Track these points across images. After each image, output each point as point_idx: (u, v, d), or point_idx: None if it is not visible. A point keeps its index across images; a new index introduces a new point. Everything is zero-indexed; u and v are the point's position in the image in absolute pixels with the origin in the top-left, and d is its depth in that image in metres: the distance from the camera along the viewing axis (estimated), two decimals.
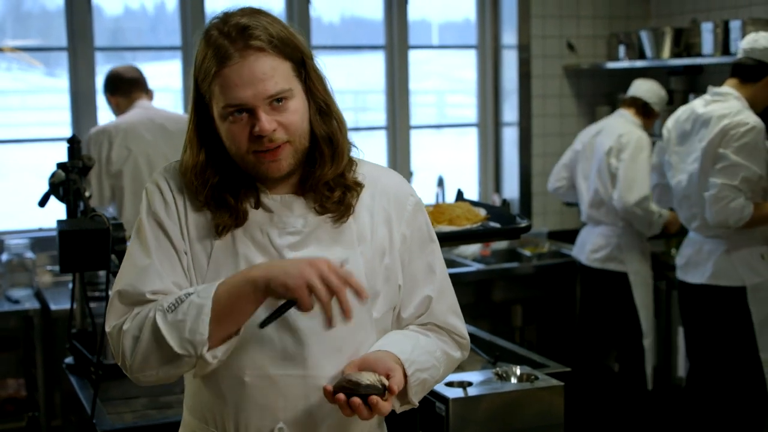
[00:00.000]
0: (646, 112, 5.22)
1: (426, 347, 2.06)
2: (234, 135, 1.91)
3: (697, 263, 4.38)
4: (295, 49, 1.94)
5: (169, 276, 1.93)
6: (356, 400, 1.83)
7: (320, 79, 2.00)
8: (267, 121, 1.89)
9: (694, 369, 4.53)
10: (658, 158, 4.70)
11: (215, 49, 1.89)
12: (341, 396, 1.85)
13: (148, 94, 4.87)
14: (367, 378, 1.85)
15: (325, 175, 1.99)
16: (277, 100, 1.90)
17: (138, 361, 1.89)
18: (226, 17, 1.93)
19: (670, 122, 4.50)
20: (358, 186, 2.03)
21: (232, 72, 1.88)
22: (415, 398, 2.00)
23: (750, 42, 4.28)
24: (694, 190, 4.30)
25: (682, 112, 4.46)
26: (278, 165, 1.93)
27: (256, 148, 1.91)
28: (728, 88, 4.29)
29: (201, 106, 1.96)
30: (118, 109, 4.82)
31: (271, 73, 1.89)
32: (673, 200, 4.58)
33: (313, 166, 1.99)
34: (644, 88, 5.24)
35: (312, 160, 2.00)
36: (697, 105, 4.38)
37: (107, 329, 1.94)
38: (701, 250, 4.36)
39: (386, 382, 1.87)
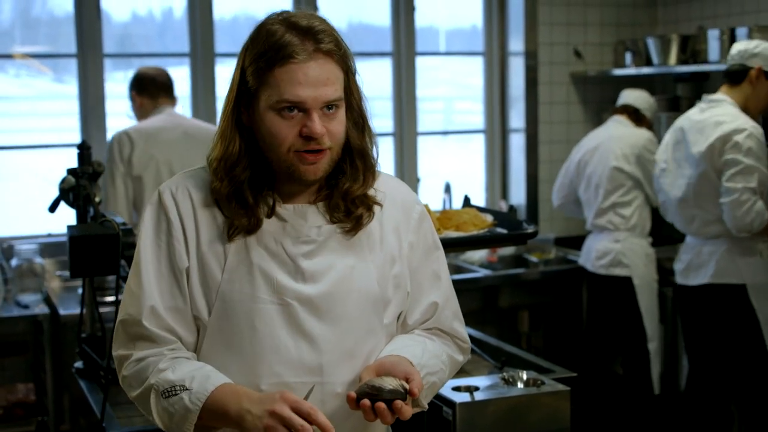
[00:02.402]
0: (638, 119, 5.27)
1: (433, 351, 2.08)
2: (281, 130, 1.92)
3: (699, 265, 4.43)
4: (348, 62, 1.98)
5: (165, 302, 1.96)
6: (381, 405, 1.85)
7: (359, 95, 2.03)
8: (319, 125, 1.91)
9: (696, 372, 4.55)
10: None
11: (282, 43, 1.90)
12: (366, 402, 1.86)
13: (173, 100, 4.84)
14: (389, 383, 1.86)
15: (354, 191, 2.01)
16: (329, 107, 1.93)
17: (136, 403, 2.00)
18: (289, 15, 1.95)
19: (670, 130, 4.58)
20: (377, 205, 2.06)
21: (298, 69, 1.89)
22: (425, 401, 2.02)
23: (735, 49, 4.37)
24: (692, 195, 4.36)
25: (679, 119, 4.55)
26: (316, 168, 1.94)
27: (301, 147, 1.92)
28: (721, 95, 4.36)
29: (241, 97, 1.96)
30: (141, 110, 4.78)
31: (333, 79, 1.93)
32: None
33: (336, 178, 2.01)
34: (635, 96, 5.32)
35: (335, 173, 2.01)
36: (693, 113, 4.47)
37: (113, 352, 2.01)
38: (701, 252, 4.42)
39: (407, 386, 1.88)
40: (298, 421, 1.78)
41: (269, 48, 1.90)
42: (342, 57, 1.95)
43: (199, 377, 1.90)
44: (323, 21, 1.96)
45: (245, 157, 1.96)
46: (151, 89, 4.76)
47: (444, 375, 2.11)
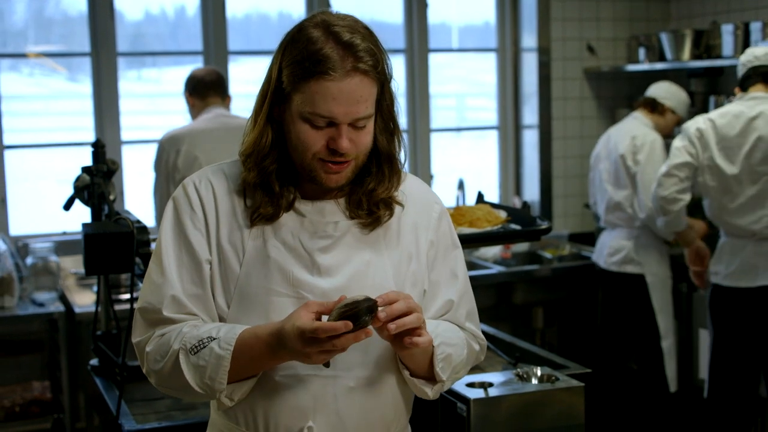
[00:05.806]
0: (658, 112, 5.18)
1: (449, 327, 2.10)
2: (308, 138, 1.93)
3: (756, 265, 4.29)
4: (384, 73, 1.97)
5: (186, 290, 1.98)
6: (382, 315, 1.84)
7: (392, 101, 2.04)
8: (347, 140, 1.92)
9: (748, 377, 4.43)
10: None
11: (322, 56, 1.89)
12: (349, 324, 1.80)
13: (225, 99, 4.82)
14: (360, 296, 1.84)
15: (379, 193, 2.03)
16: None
17: (160, 380, 1.99)
18: (331, 22, 1.93)
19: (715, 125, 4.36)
20: (399, 206, 2.07)
21: (333, 86, 1.89)
22: (443, 374, 2.03)
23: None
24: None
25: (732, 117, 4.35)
26: (338, 178, 1.97)
27: (325, 157, 1.94)
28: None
29: (275, 93, 1.97)
30: (192, 109, 4.81)
31: (366, 97, 1.93)
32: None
33: (361, 178, 2.03)
34: (654, 87, 5.24)
35: (362, 175, 2.03)
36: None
37: (133, 340, 2.02)
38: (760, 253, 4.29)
39: (374, 297, 1.86)
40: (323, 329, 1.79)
41: (308, 57, 1.90)
42: (378, 74, 1.94)
43: (225, 327, 1.93)
44: (365, 36, 1.94)
45: (275, 150, 1.99)
46: (200, 89, 4.76)
47: (462, 351, 2.09)
